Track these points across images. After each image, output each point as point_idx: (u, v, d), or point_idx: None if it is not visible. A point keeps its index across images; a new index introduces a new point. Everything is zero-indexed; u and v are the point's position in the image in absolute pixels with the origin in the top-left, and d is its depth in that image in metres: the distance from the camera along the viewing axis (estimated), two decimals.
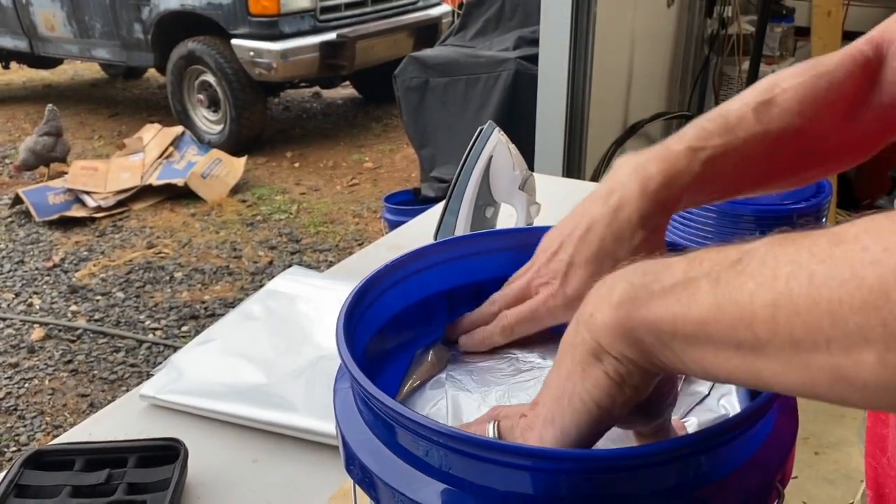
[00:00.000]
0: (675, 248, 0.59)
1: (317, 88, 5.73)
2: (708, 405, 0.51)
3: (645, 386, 0.38)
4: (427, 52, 3.35)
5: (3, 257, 3.41)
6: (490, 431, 0.43)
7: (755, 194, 0.62)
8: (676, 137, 0.54)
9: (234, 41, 4.41)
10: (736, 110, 0.55)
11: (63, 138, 4.30)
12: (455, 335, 0.58)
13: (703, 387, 0.52)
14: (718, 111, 0.56)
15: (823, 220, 1.18)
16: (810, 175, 0.62)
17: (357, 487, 0.44)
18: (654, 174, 0.51)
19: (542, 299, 0.54)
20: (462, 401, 0.51)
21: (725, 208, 1.13)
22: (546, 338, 0.57)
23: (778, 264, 0.31)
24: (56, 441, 0.78)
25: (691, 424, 0.50)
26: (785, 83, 0.57)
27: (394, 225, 2.94)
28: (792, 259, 0.31)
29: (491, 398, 0.52)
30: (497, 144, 1.00)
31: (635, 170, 0.52)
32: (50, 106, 4.31)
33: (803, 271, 0.30)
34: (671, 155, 0.52)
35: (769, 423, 0.43)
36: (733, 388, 0.51)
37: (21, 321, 2.90)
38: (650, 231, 0.52)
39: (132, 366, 2.63)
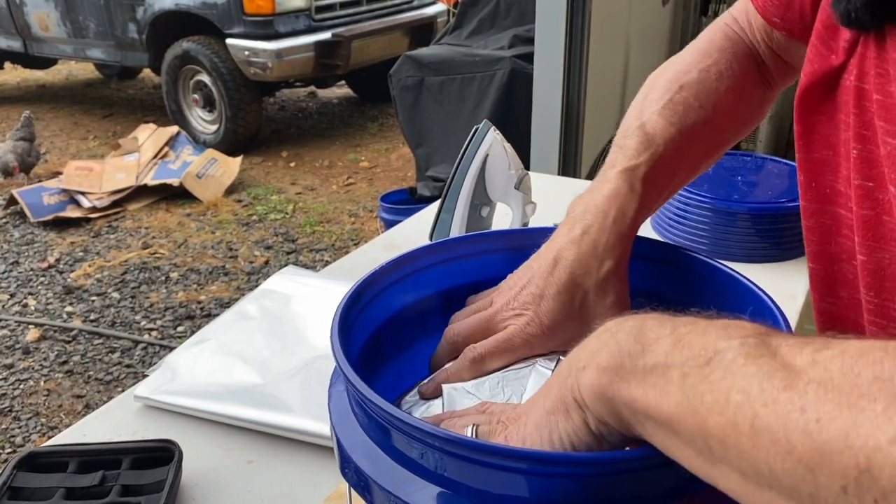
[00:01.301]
0: (670, 252, 0.59)
1: (312, 88, 5.72)
2: None
3: (622, 444, 0.39)
4: (422, 51, 3.34)
5: None
6: (468, 432, 0.44)
7: (688, 183, 0.68)
8: (608, 164, 0.58)
9: (229, 41, 4.40)
10: (648, 118, 0.60)
11: (35, 144, 4.28)
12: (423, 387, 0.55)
13: None
14: (633, 124, 0.60)
15: None
16: (721, 152, 0.69)
17: (352, 489, 0.44)
18: (606, 210, 0.54)
19: (518, 329, 0.53)
20: (455, 395, 0.51)
21: (721, 207, 1.13)
22: None
23: (732, 387, 0.31)
24: (50, 443, 0.77)
25: None
26: (680, 79, 0.62)
27: (390, 224, 2.94)
28: (744, 387, 0.30)
29: (484, 388, 0.52)
30: (492, 143, 1.00)
31: (587, 209, 0.55)
32: (27, 112, 4.29)
33: (749, 408, 0.30)
34: (614, 185, 0.55)
35: None
36: None
37: (16, 322, 2.89)
38: (615, 262, 0.53)
39: (128, 366, 2.62)
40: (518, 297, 0.54)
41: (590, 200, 0.55)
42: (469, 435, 0.43)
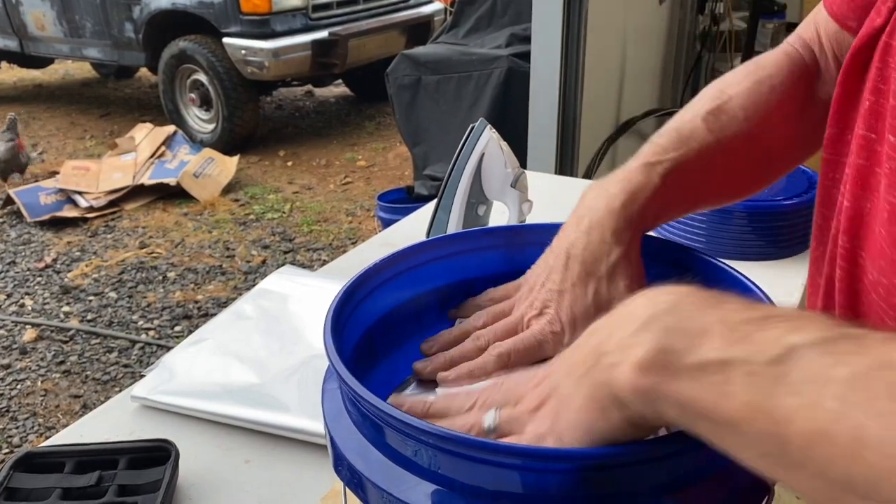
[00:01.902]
0: (669, 250, 0.59)
1: (309, 87, 5.72)
2: None
3: (664, 426, 0.38)
4: (419, 50, 3.34)
5: None
6: (488, 420, 0.43)
7: (719, 204, 0.65)
8: (634, 157, 0.57)
9: (225, 40, 4.39)
10: (687, 122, 0.58)
11: (14, 145, 4.26)
12: (429, 369, 0.54)
13: None
14: (672, 125, 0.59)
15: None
16: (767, 177, 0.65)
17: (347, 488, 0.44)
18: (616, 193, 0.54)
19: (540, 329, 0.53)
20: (447, 393, 0.51)
21: None
22: None
23: (824, 393, 0.28)
24: (46, 443, 0.77)
25: None
26: (731, 90, 0.60)
27: (387, 223, 2.94)
28: (841, 395, 0.28)
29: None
30: (489, 142, 1.00)
31: (599, 193, 0.55)
32: (12, 115, 4.28)
33: (851, 419, 0.27)
34: (629, 174, 0.55)
35: None
36: None
37: (13, 322, 2.89)
38: (625, 247, 0.53)
39: (125, 366, 2.62)
40: (539, 295, 0.54)
41: (602, 186, 0.56)
42: (491, 423, 0.43)
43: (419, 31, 4.90)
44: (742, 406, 0.31)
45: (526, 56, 2.60)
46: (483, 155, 1.00)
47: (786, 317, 0.32)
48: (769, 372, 0.30)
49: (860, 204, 0.50)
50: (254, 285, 1.08)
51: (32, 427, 2.34)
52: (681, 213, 0.63)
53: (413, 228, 1.25)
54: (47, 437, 1.94)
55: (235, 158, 4.22)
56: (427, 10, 5.08)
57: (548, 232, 0.57)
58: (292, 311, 0.96)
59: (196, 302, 3.01)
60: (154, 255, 3.41)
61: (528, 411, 0.42)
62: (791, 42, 0.65)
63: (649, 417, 0.36)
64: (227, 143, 4.49)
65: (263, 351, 0.88)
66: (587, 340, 0.40)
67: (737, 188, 0.64)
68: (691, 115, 0.59)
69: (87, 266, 3.31)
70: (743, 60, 2.98)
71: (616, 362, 0.36)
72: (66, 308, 2.99)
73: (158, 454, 0.72)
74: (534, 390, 0.43)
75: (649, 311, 0.36)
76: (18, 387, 2.53)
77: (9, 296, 3.09)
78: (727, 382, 0.31)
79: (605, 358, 0.37)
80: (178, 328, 2.84)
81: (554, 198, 1.36)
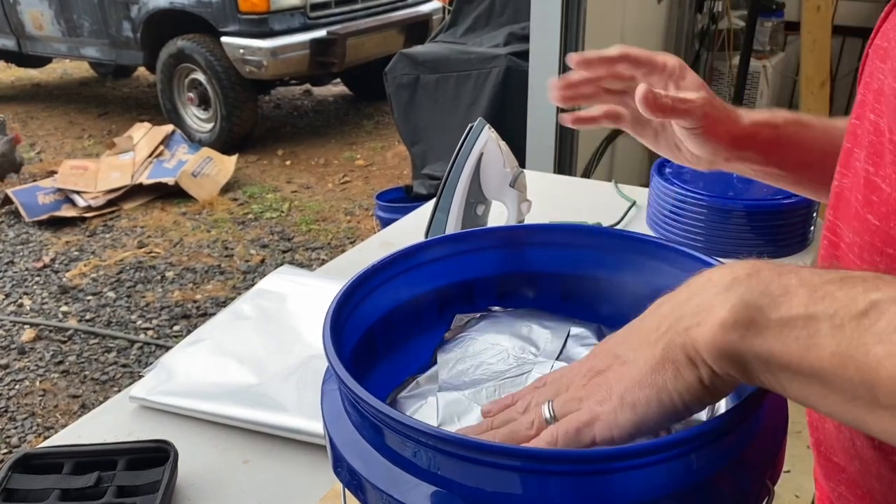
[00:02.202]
0: (663, 250, 0.59)
1: (307, 86, 5.71)
2: None
3: (732, 390, 0.39)
4: (418, 49, 3.34)
5: None
6: (546, 412, 0.42)
7: (796, 182, 0.73)
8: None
9: (223, 39, 4.39)
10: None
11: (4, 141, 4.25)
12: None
13: None
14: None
15: (814, 215, 1.18)
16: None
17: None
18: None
19: None
20: (451, 399, 0.51)
21: (717, 204, 1.13)
22: (533, 332, 0.57)
23: None
24: (44, 444, 0.77)
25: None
26: None
27: (386, 222, 2.94)
28: None
29: (482, 395, 0.51)
30: (487, 141, 1.00)
31: None
32: (0, 116, 4.27)
33: None
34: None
35: (758, 421, 0.43)
36: None
37: (11, 322, 2.89)
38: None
39: (124, 366, 2.61)
40: None
41: None
42: (547, 415, 0.42)
43: (417, 30, 4.90)
44: (830, 356, 0.33)
45: (524, 55, 2.60)
46: (482, 154, 0.99)
47: (861, 278, 0.35)
48: (855, 324, 0.33)
49: (842, 182, 0.55)
50: (252, 284, 1.08)
51: (31, 427, 2.34)
52: (771, 162, 0.70)
53: (412, 228, 1.24)
54: (46, 438, 1.94)
55: (234, 158, 4.21)
56: (425, 8, 5.08)
57: (547, 232, 0.57)
58: (291, 311, 0.96)
59: (195, 301, 3.01)
60: (152, 254, 3.41)
61: (580, 387, 0.42)
62: None
63: (724, 377, 0.37)
64: (225, 143, 4.48)
65: (262, 351, 0.88)
66: (656, 311, 0.41)
67: (818, 182, 0.70)
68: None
69: (85, 266, 3.31)
70: (741, 59, 2.98)
71: (695, 323, 0.37)
72: (64, 308, 2.99)
73: (157, 455, 0.72)
74: (583, 372, 0.43)
75: (729, 278, 0.38)
76: (17, 387, 2.52)
77: (7, 296, 3.09)
78: (814, 336, 0.34)
79: (681, 322, 0.38)
80: (176, 328, 2.84)
81: (553, 197, 1.36)
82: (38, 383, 2.54)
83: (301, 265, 3.17)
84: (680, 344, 0.38)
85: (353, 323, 0.52)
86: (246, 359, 0.86)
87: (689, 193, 1.14)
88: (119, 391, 0.91)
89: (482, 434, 0.45)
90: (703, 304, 0.37)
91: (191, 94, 4.67)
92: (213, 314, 1.43)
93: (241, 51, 4.33)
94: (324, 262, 3.05)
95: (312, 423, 0.76)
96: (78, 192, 3.82)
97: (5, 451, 2.24)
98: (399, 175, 4.24)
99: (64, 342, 2.76)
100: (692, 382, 0.38)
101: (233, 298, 2.68)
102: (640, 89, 0.61)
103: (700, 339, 0.37)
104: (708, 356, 0.37)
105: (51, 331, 2.83)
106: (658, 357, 0.39)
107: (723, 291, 0.37)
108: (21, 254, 3.43)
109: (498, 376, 0.53)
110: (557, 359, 0.54)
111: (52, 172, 4.09)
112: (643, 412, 0.39)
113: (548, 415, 0.42)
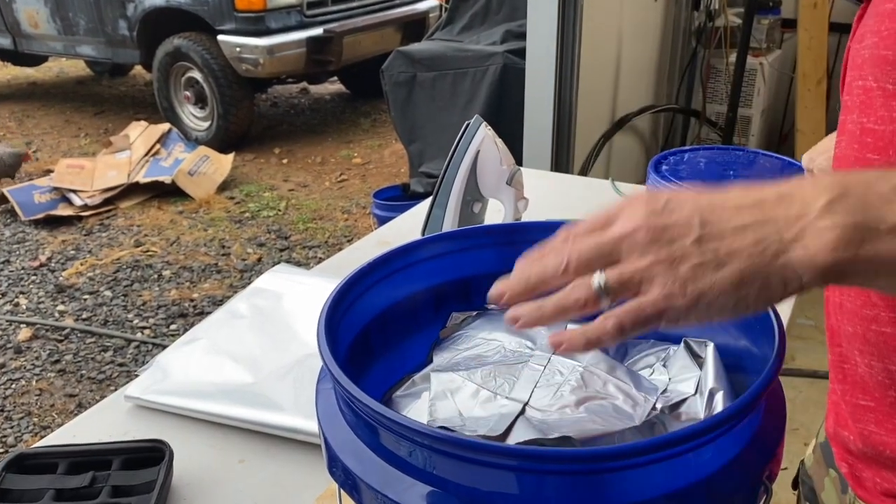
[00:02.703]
0: None
1: (304, 84, 5.71)
2: (693, 405, 0.50)
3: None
4: (414, 47, 3.33)
5: None
6: (596, 281, 0.39)
7: None
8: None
9: (220, 37, 4.38)
10: None
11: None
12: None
13: (688, 387, 0.52)
14: None
15: None
16: None
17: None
18: None
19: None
20: (445, 377, 0.51)
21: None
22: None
23: None
24: (39, 444, 0.77)
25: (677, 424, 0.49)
26: None
27: (383, 220, 2.93)
28: None
29: (477, 375, 0.51)
30: (484, 139, 1.00)
31: None
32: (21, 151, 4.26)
33: None
34: None
35: (756, 421, 0.42)
36: (721, 388, 0.50)
37: (7, 321, 2.88)
38: None
39: (120, 365, 2.61)
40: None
41: None
42: (597, 287, 0.39)
43: (414, 27, 4.89)
44: None
45: (521, 53, 2.60)
46: (478, 152, 0.99)
47: None
48: None
49: (837, 147, 0.56)
50: (249, 283, 1.07)
51: (27, 427, 2.33)
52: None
53: (409, 226, 1.24)
54: (42, 437, 1.93)
55: (230, 156, 4.20)
56: (422, 6, 5.07)
57: (544, 230, 0.56)
58: (287, 310, 0.96)
59: (192, 300, 3.00)
60: (149, 253, 3.40)
61: (643, 264, 0.39)
62: None
63: (813, 287, 0.38)
64: (222, 141, 4.48)
65: (258, 350, 0.88)
66: (743, 211, 0.40)
67: None
68: None
69: (81, 265, 3.30)
70: (738, 56, 2.98)
71: (793, 245, 0.37)
72: (60, 307, 2.98)
73: (152, 454, 0.72)
74: (643, 239, 0.39)
75: (825, 199, 0.38)
76: (13, 386, 2.52)
77: (3, 295, 3.08)
78: None
79: (775, 241, 0.38)
80: (173, 326, 2.83)
81: (550, 195, 1.36)
82: (34, 382, 2.53)
83: (298, 264, 3.17)
84: (775, 264, 0.38)
85: (349, 321, 0.52)
86: (242, 358, 0.86)
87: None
88: (115, 390, 0.91)
89: (519, 292, 0.42)
90: (803, 226, 0.38)
91: (187, 93, 4.66)
92: (210, 313, 1.42)
93: (238, 49, 4.32)
94: (321, 260, 3.05)
95: (309, 423, 0.76)
96: (74, 191, 3.81)
97: (1, 450, 2.24)
98: (396, 173, 4.24)
99: (60, 341, 2.76)
100: (776, 295, 0.39)
101: (230, 297, 2.68)
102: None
103: (801, 260, 0.37)
104: (808, 276, 0.38)
105: (47, 330, 2.82)
106: (745, 270, 0.38)
107: (824, 214, 0.37)
108: (17, 253, 3.42)
109: (493, 361, 0.53)
110: (554, 353, 0.54)
111: (49, 171, 4.08)
112: (716, 316, 0.39)
113: (599, 284, 0.39)
